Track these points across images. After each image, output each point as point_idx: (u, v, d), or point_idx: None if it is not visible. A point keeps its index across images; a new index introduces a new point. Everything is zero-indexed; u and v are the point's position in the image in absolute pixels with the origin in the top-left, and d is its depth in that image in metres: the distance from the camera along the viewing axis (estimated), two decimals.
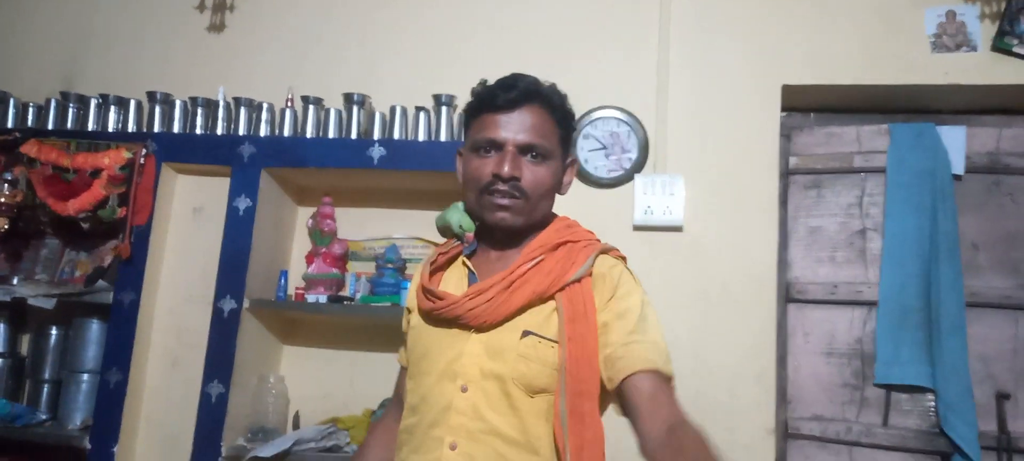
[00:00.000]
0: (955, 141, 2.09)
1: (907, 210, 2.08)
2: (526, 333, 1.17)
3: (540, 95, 1.25)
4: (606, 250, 1.26)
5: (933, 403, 2.02)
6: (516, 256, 1.23)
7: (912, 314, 2.04)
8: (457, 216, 1.32)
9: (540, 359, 1.16)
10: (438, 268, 1.31)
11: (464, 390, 1.17)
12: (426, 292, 1.26)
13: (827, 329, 2.14)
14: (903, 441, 2.03)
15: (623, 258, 1.29)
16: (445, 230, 1.35)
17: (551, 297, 1.19)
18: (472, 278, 1.26)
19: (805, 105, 2.25)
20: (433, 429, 1.18)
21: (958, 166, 2.09)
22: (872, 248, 2.13)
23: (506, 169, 1.19)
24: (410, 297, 1.35)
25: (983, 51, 2.05)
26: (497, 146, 1.22)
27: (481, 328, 1.18)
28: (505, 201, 1.21)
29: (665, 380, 1.13)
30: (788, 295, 2.18)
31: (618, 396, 1.15)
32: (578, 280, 1.19)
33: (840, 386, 2.11)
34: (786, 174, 2.22)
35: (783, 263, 2.18)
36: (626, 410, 1.13)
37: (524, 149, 1.21)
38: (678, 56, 2.19)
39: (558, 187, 1.29)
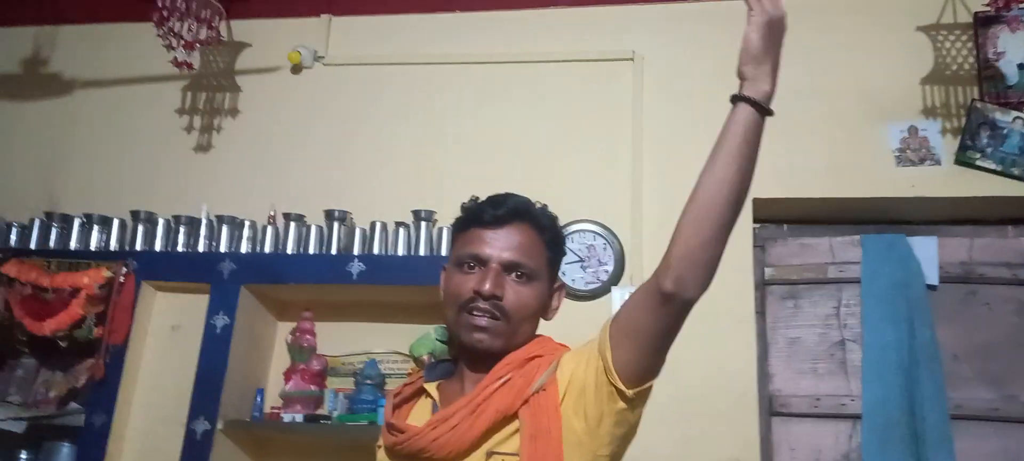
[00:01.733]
0: (927, 252, 2.12)
1: (884, 321, 2.08)
2: (491, 454, 1.08)
3: (529, 214, 1.21)
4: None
5: None
6: (485, 378, 1.16)
7: (897, 428, 2.01)
8: (426, 346, 1.28)
9: None
10: (404, 400, 1.25)
11: None
12: (389, 426, 1.19)
13: (813, 443, 2.10)
14: None
15: None
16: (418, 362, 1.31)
17: (515, 415, 1.10)
18: (436, 408, 1.19)
19: (777, 216, 2.28)
20: None
21: (932, 276, 2.11)
22: (853, 359, 2.12)
23: (487, 287, 1.13)
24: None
25: (947, 164, 2.11)
26: (481, 262, 1.16)
27: (446, 459, 1.09)
28: (483, 321, 1.14)
29: None
30: (771, 408, 2.14)
31: (619, 345, 1.08)
32: (542, 388, 1.10)
33: None
34: (762, 285, 2.24)
35: (764, 376, 2.16)
36: (634, 341, 1.07)
37: (509, 267, 1.16)
38: (651, 168, 2.25)
39: (543, 311, 1.23)
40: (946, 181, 2.10)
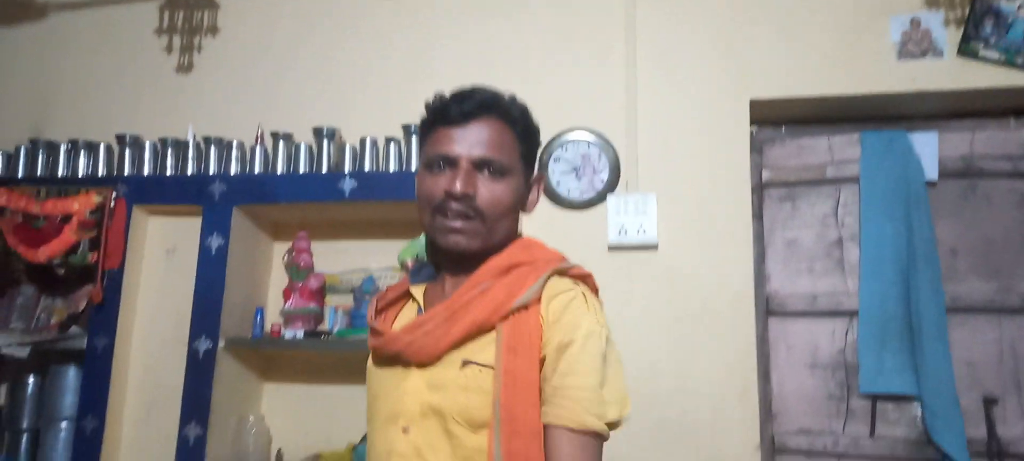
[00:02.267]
0: (927, 147, 2.08)
1: (882, 218, 2.06)
2: (466, 363, 1.07)
3: (498, 107, 1.15)
4: (563, 270, 1.15)
5: (920, 411, 2.00)
6: (463, 285, 1.13)
7: (893, 323, 2.02)
8: (412, 251, 1.27)
9: (481, 389, 1.06)
10: (388, 303, 1.24)
11: (405, 431, 1.09)
12: (371, 330, 1.19)
13: (809, 341, 2.12)
14: (891, 450, 2.01)
15: (586, 276, 1.18)
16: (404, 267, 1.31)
17: (493, 327, 1.08)
18: (420, 312, 1.18)
19: (775, 118, 2.24)
20: None
21: (931, 172, 2.08)
22: (850, 258, 2.12)
23: (458, 186, 1.09)
24: None
25: (950, 57, 2.05)
26: (450, 162, 1.12)
27: (422, 363, 1.10)
28: (458, 223, 1.11)
29: (588, 437, 1.03)
30: (768, 308, 2.16)
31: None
32: (525, 307, 1.08)
33: (825, 398, 2.09)
34: (760, 188, 2.21)
35: (761, 277, 2.17)
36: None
37: (480, 164, 1.12)
38: (645, 74, 2.19)
39: (521, 205, 1.19)
40: (948, 74, 2.04)
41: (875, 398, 2.05)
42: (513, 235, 1.19)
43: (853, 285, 2.09)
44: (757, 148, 2.23)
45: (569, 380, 1.05)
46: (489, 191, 1.12)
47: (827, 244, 2.15)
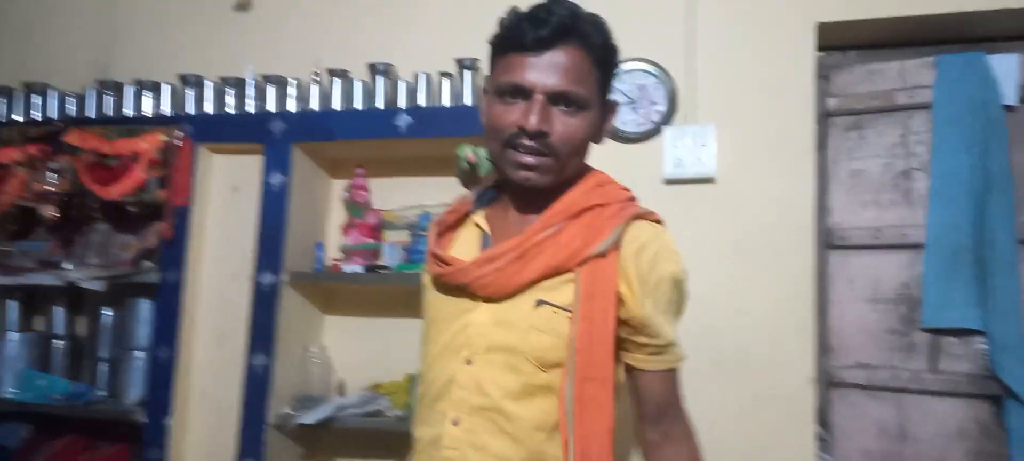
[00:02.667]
0: (1007, 69, 1.96)
1: (956, 146, 1.97)
2: (540, 303, 1.07)
3: (577, 32, 1.06)
4: (640, 216, 1.12)
5: (984, 346, 1.94)
6: (536, 218, 1.11)
7: (962, 254, 1.95)
8: (472, 151, 1.25)
9: (555, 331, 1.06)
10: (448, 227, 1.22)
11: (469, 363, 1.10)
12: (434, 256, 1.17)
13: (872, 275, 2.07)
14: (953, 386, 1.96)
15: (660, 221, 1.16)
16: (461, 173, 1.29)
17: (568, 270, 1.08)
18: (486, 240, 1.17)
19: (844, 42, 2.14)
20: (437, 403, 1.12)
21: (1011, 96, 1.96)
22: (918, 188, 2.04)
23: (533, 122, 1.04)
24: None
25: None
26: (524, 93, 1.05)
27: (490, 298, 1.10)
28: (530, 159, 1.06)
29: (676, 371, 1.14)
30: (829, 242, 2.11)
31: (627, 372, 1.13)
32: (602, 254, 1.07)
33: (886, 333, 2.05)
34: (825, 117, 2.13)
35: (823, 209, 2.11)
36: (631, 389, 1.13)
37: (555, 98, 1.06)
38: (704, 1, 2.11)
39: (596, 137, 1.14)
40: None
41: (938, 332, 1.99)
42: (583, 169, 1.16)
43: (921, 217, 2.02)
44: (824, 74, 2.14)
45: (663, 334, 1.09)
46: (564, 127, 1.07)
47: (895, 174, 2.08)
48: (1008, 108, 1.98)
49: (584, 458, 1.03)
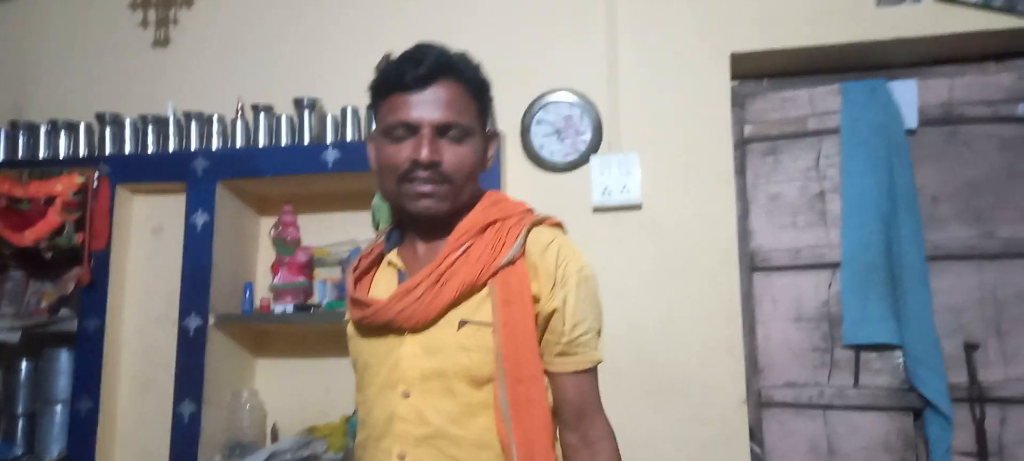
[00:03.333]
0: (907, 95, 2.08)
1: (863, 168, 2.07)
2: (463, 323, 1.11)
3: (452, 68, 1.14)
4: (538, 222, 1.18)
5: (902, 359, 2.03)
6: (443, 245, 1.15)
7: (875, 272, 2.04)
8: (379, 200, 1.28)
9: (481, 347, 1.10)
10: (363, 272, 1.25)
11: (406, 395, 1.11)
12: (353, 301, 1.20)
13: (794, 294, 2.14)
14: (875, 400, 2.04)
15: (559, 225, 1.23)
16: (374, 217, 1.31)
17: (484, 285, 1.13)
18: (401, 276, 1.19)
19: (757, 71, 2.23)
20: (381, 441, 1.13)
21: (911, 120, 2.08)
22: (832, 209, 2.13)
23: (425, 153, 1.09)
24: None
25: (929, 1, 2.03)
26: (411, 129, 1.11)
27: (415, 329, 1.12)
28: (427, 188, 1.12)
29: (594, 371, 1.16)
30: (753, 264, 2.17)
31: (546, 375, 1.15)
32: (511, 262, 1.13)
33: (810, 350, 2.12)
34: (743, 143, 2.21)
35: (746, 232, 2.18)
36: (553, 395, 1.15)
37: (442, 129, 1.11)
38: (626, 32, 2.17)
39: (482, 164, 1.20)
40: (928, 19, 2.03)
41: (859, 348, 2.07)
42: (477, 192, 1.21)
43: (836, 237, 2.11)
44: (739, 102, 2.23)
45: (576, 332, 1.13)
46: (454, 155, 1.13)
47: (810, 197, 2.17)
48: (910, 132, 2.09)
49: (528, 456, 1.08)
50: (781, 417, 2.12)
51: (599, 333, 1.18)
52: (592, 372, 1.16)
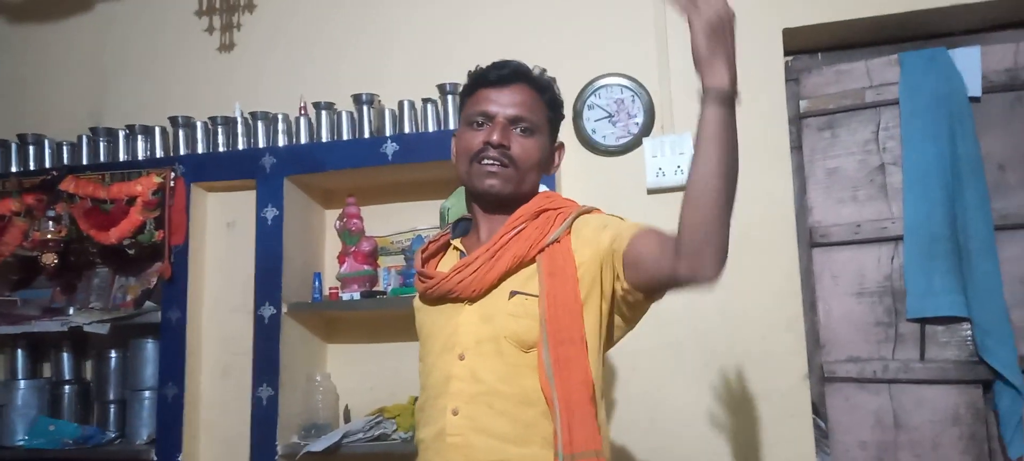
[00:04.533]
0: (969, 62, 2.03)
1: (925, 138, 2.03)
2: (513, 293, 1.25)
3: (529, 76, 1.35)
4: (585, 211, 1.33)
5: (970, 332, 2.00)
6: (501, 228, 1.31)
7: (940, 243, 2.00)
8: (448, 202, 1.40)
9: (528, 314, 1.23)
10: (431, 255, 1.41)
11: (462, 358, 1.24)
12: (419, 275, 1.36)
13: (855, 269, 2.12)
14: (942, 373, 2.01)
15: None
16: (443, 218, 1.44)
17: (532, 260, 1.26)
18: (463, 257, 1.34)
19: (811, 45, 2.21)
20: (438, 399, 1.26)
21: (974, 88, 2.03)
22: (893, 182, 2.10)
23: (495, 137, 1.27)
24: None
25: None
26: (488, 117, 1.30)
27: (472, 298, 1.26)
28: (494, 167, 1.28)
29: (643, 227, 1.23)
30: (812, 239, 2.16)
31: (632, 270, 1.19)
32: (557, 240, 1.26)
33: (873, 325, 2.10)
34: (798, 118, 2.20)
35: (803, 208, 2.17)
36: (642, 267, 1.18)
37: (513, 120, 1.30)
38: (675, 13, 2.16)
39: (546, 166, 1.37)
40: None
41: (924, 322, 2.04)
42: (537, 189, 1.37)
43: (897, 209, 2.08)
44: (793, 78, 2.21)
45: (621, 225, 1.25)
46: (521, 145, 1.30)
47: (869, 170, 2.14)
48: (973, 99, 2.04)
49: (567, 409, 1.17)
50: (845, 392, 2.12)
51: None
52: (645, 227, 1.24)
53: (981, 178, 2.00)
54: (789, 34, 2.11)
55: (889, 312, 2.09)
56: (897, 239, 2.07)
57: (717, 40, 1.10)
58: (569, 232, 1.28)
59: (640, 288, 1.20)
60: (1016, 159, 2.04)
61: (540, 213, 1.30)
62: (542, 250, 1.26)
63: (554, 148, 1.40)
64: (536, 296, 1.23)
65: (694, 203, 1.08)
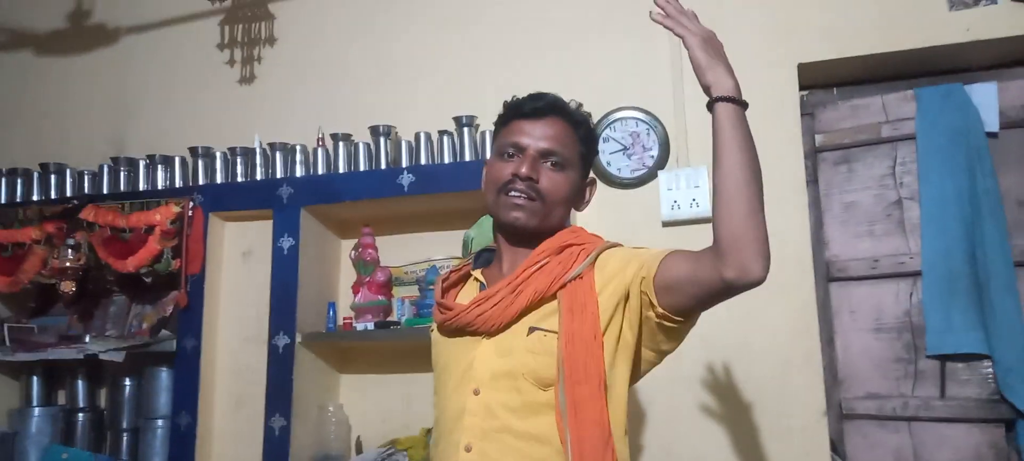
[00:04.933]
0: (986, 98, 2.03)
1: (943, 174, 2.03)
2: (532, 329, 1.23)
3: (564, 110, 1.33)
4: (610, 247, 1.30)
5: (991, 369, 1.97)
6: (523, 262, 1.28)
7: (960, 280, 1.99)
8: (471, 232, 1.39)
9: (547, 351, 1.20)
10: (451, 285, 1.39)
11: (477, 393, 1.22)
12: (438, 305, 1.33)
13: (873, 304, 2.11)
14: (963, 411, 1.98)
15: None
16: (465, 247, 1.43)
17: (553, 296, 1.23)
18: (483, 289, 1.32)
19: (826, 80, 2.22)
20: (451, 434, 1.24)
21: (992, 123, 2.03)
22: (911, 217, 2.09)
23: (524, 169, 1.26)
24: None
25: (1003, 2, 1.99)
26: (520, 149, 1.29)
27: (490, 333, 1.24)
28: (521, 200, 1.27)
29: (670, 251, 1.22)
30: (829, 274, 2.15)
31: (667, 294, 1.17)
32: (579, 276, 1.23)
33: (892, 361, 2.07)
34: (814, 152, 2.20)
35: (820, 243, 2.16)
36: (678, 289, 1.16)
37: (545, 155, 1.28)
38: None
39: (576, 202, 1.35)
40: (1003, 20, 1.98)
41: (944, 359, 2.02)
42: (564, 224, 1.35)
43: (915, 245, 2.07)
44: (809, 112, 2.21)
45: (647, 253, 1.23)
46: (550, 179, 1.28)
47: (886, 204, 2.13)
48: (991, 135, 2.03)
49: (579, 453, 1.15)
50: (864, 429, 2.08)
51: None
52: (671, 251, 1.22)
53: (1000, 214, 1.99)
54: (804, 69, 2.12)
55: (908, 348, 2.06)
56: (915, 274, 2.06)
57: (713, 50, 1.17)
58: (592, 267, 1.25)
59: (680, 311, 1.18)
60: None
61: (564, 248, 1.28)
62: (563, 286, 1.23)
63: (585, 184, 1.38)
64: (555, 333, 1.21)
65: (726, 204, 1.10)
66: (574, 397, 1.16)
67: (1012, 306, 1.95)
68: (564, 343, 1.18)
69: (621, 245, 1.33)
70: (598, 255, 1.27)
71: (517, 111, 1.32)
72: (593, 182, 1.40)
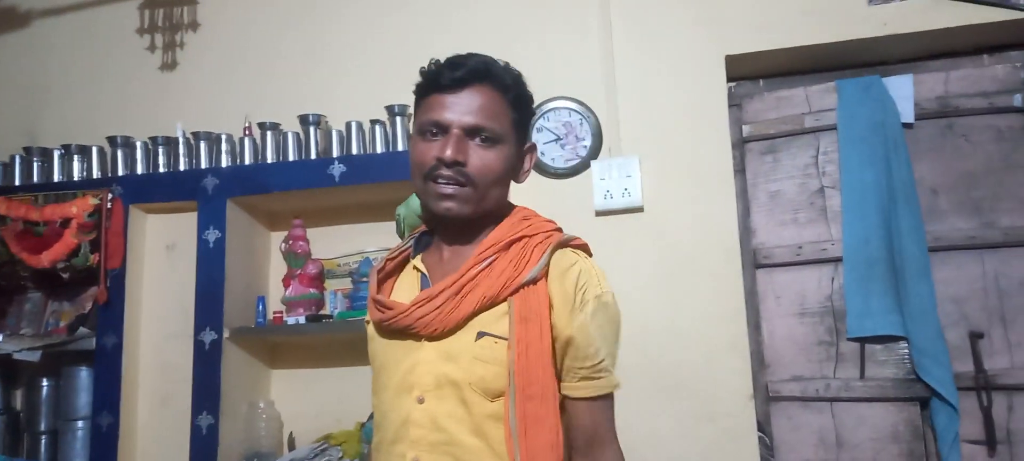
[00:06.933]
0: (902, 90, 2.11)
1: (862, 163, 2.10)
2: (481, 334, 1.12)
3: (490, 74, 1.15)
4: (564, 243, 1.18)
5: (907, 351, 2.05)
6: (469, 253, 1.17)
7: (877, 265, 2.06)
8: (402, 209, 1.28)
9: (496, 360, 1.10)
10: (387, 275, 1.26)
11: (421, 401, 1.12)
12: (375, 302, 1.20)
13: (797, 290, 2.17)
14: (882, 391, 2.06)
15: (584, 247, 1.22)
16: (398, 225, 1.32)
17: (504, 300, 1.12)
18: (424, 282, 1.20)
19: (752, 72, 2.26)
20: (395, 445, 1.14)
21: (907, 114, 2.11)
22: (833, 205, 2.16)
23: (449, 153, 1.10)
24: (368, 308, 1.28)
25: None
26: (442, 128, 1.13)
27: (433, 336, 1.13)
28: (449, 189, 1.13)
29: (611, 397, 1.16)
30: (755, 261, 2.20)
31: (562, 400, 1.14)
32: (533, 281, 1.12)
33: (815, 345, 2.14)
34: (741, 143, 2.24)
35: (747, 230, 2.21)
36: (566, 418, 1.14)
37: (471, 131, 1.13)
38: (621, 39, 2.21)
39: (513, 175, 1.20)
40: (919, 16, 2.06)
41: (863, 341, 2.09)
42: (504, 203, 1.21)
43: (837, 232, 2.14)
44: (736, 103, 2.26)
45: (592, 359, 1.12)
46: (480, 159, 1.13)
47: (810, 194, 2.19)
48: (907, 126, 2.11)
49: None
50: (789, 411, 2.15)
51: (615, 358, 1.16)
52: (607, 399, 1.15)
53: (915, 202, 2.07)
54: (732, 61, 2.16)
55: (830, 332, 2.13)
56: (837, 260, 2.13)
57: None
58: (545, 272, 1.13)
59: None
60: (947, 184, 2.11)
61: (513, 243, 1.15)
62: (515, 291, 1.12)
63: (524, 152, 1.22)
64: (506, 339, 1.10)
65: None
66: (525, 413, 1.08)
67: (926, 290, 2.04)
68: (517, 354, 1.09)
69: (576, 242, 1.20)
70: (552, 254, 1.15)
71: (436, 83, 1.14)
72: (532, 148, 1.24)
